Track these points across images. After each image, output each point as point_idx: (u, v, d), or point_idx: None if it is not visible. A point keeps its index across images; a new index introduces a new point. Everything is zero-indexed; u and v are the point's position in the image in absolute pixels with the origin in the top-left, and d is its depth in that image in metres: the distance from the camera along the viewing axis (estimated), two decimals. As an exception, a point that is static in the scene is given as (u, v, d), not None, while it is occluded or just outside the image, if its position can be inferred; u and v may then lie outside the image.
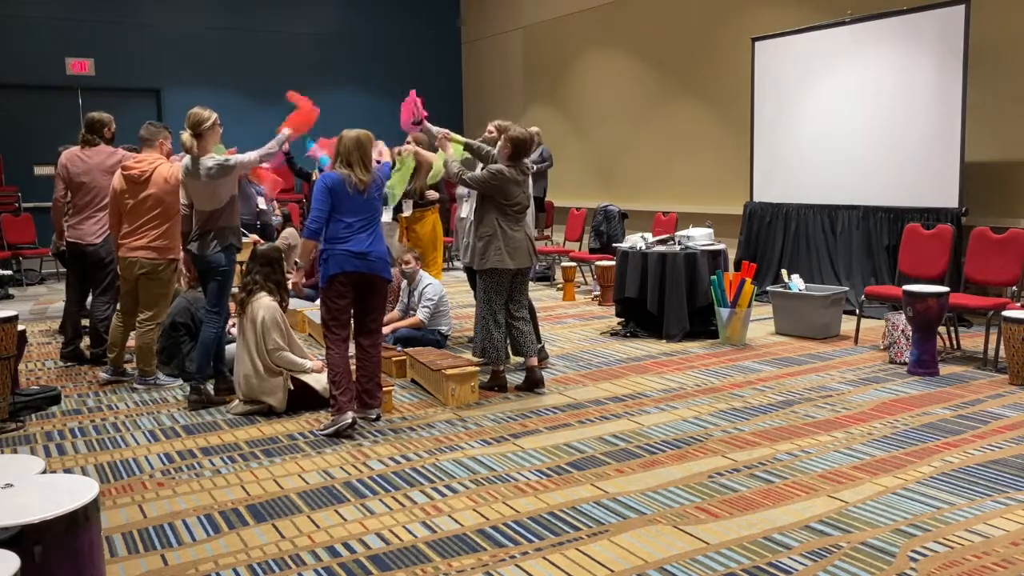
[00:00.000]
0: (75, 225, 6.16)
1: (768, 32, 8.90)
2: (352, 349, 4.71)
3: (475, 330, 5.42)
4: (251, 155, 5.09)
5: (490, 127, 7.06)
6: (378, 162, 4.81)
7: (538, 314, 8.03)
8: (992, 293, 6.81)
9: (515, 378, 5.61)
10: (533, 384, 5.35)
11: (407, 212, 7.07)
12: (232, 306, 5.27)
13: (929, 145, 7.41)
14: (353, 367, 4.71)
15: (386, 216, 8.28)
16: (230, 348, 5.72)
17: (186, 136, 5.03)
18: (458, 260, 10.05)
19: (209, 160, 4.98)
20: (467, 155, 5.66)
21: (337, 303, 4.58)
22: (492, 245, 5.20)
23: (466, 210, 6.17)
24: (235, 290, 5.28)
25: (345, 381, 4.57)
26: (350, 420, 4.50)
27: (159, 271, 5.48)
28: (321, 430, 4.57)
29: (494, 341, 5.31)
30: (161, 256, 5.48)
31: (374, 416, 4.75)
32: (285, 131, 5.21)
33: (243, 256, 5.55)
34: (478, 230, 5.29)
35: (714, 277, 6.71)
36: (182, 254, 5.46)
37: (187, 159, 5.05)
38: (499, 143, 5.40)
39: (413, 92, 5.72)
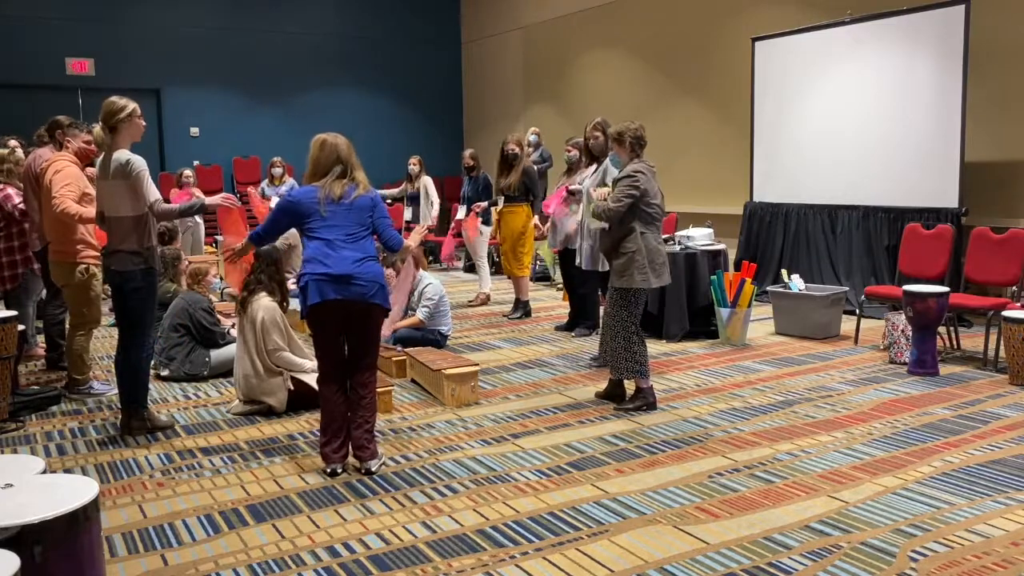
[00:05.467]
0: None
1: (768, 32, 8.89)
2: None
3: (612, 351, 4.92)
4: (166, 205, 4.43)
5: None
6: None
7: (539, 314, 8.06)
8: (992, 293, 6.81)
9: (519, 374, 5.62)
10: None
11: (500, 206, 7.78)
12: (227, 307, 5.23)
13: (929, 145, 7.41)
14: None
15: (461, 213, 8.52)
16: (230, 348, 5.73)
17: (98, 130, 4.53)
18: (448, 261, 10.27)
19: (123, 155, 4.32)
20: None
21: (320, 335, 3.94)
22: (635, 262, 4.73)
23: (579, 208, 6.30)
24: (235, 290, 5.26)
25: (332, 428, 3.94)
26: (328, 471, 3.94)
27: (65, 275, 5.13)
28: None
29: (637, 355, 4.84)
30: (63, 259, 5.10)
31: (369, 469, 3.95)
32: (205, 200, 4.63)
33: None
34: (619, 246, 4.80)
35: (714, 277, 6.71)
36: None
37: (100, 158, 4.51)
38: (608, 151, 4.93)
39: None
